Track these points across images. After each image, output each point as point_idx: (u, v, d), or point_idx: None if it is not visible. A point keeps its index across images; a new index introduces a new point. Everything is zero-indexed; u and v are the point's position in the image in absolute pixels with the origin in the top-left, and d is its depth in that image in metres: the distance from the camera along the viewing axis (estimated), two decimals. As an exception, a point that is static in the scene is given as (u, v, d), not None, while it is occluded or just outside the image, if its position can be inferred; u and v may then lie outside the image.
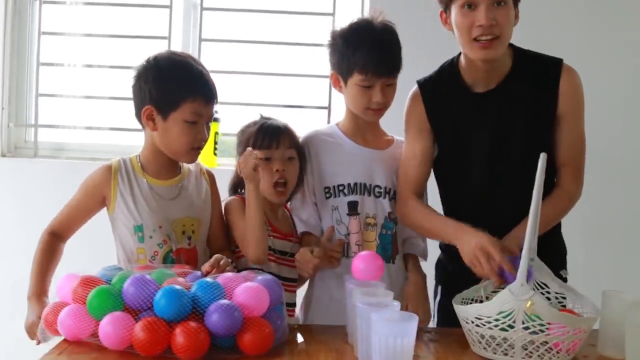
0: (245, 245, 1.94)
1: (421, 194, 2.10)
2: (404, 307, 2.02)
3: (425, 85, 2.05)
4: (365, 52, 1.99)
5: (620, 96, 3.24)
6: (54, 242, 1.98)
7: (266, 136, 2.01)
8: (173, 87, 1.87)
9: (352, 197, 2.08)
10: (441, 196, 2.14)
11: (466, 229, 1.82)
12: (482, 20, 1.81)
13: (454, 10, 1.87)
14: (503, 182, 1.95)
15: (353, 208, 2.07)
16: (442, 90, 2.02)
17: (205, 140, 1.94)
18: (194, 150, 1.92)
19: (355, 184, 2.08)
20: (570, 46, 3.11)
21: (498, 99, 1.95)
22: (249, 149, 1.94)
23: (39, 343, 1.64)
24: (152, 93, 1.88)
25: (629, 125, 3.25)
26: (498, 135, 1.95)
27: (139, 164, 1.97)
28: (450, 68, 2.03)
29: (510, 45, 1.97)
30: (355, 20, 2.11)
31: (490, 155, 1.96)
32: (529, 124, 1.93)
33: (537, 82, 1.93)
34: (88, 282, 1.52)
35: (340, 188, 2.08)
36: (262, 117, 2.13)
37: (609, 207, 3.17)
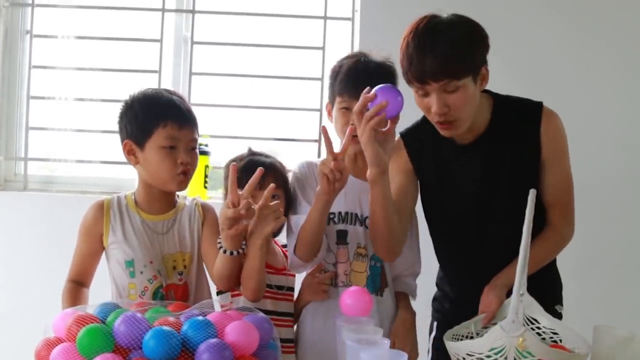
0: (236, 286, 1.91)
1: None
2: (392, 344, 2.02)
3: (408, 137, 2.05)
4: (343, 76, 2.05)
5: (608, 131, 3.26)
6: (76, 290, 1.98)
7: (250, 175, 1.99)
8: (144, 117, 1.91)
9: (341, 226, 2.09)
10: (432, 238, 2.14)
11: None
12: (434, 108, 1.79)
13: (413, 91, 1.86)
14: (492, 227, 1.95)
15: (342, 237, 2.08)
16: (425, 142, 2.02)
17: (191, 165, 1.94)
18: (180, 176, 1.92)
19: (346, 213, 2.09)
20: (558, 80, 3.18)
21: (481, 150, 1.94)
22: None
23: None
24: (128, 128, 1.93)
25: (619, 157, 3.27)
26: (485, 185, 1.95)
27: (133, 200, 1.99)
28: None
29: (489, 93, 1.96)
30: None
31: (479, 204, 1.96)
32: (515, 170, 1.93)
33: (518, 129, 1.92)
34: (82, 321, 1.50)
35: (331, 216, 2.07)
36: (249, 152, 2.12)
37: (600, 241, 3.18)
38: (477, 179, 1.95)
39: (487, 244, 1.97)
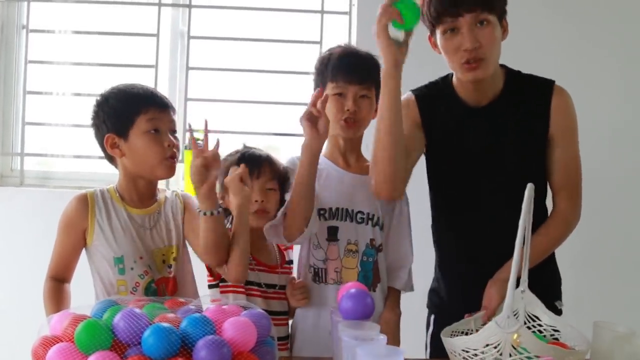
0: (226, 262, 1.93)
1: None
2: None
3: (420, 93, 2.06)
4: (336, 62, 2.07)
5: (609, 122, 3.27)
6: (57, 286, 1.96)
7: (247, 166, 2.01)
8: (123, 108, 1.93)
9: (332, 222, 2.08)
10: (432, 213, 2.14)
11: None
12: (466, 43, 1.82)
13: (439, 35, 1.89)
14: (493, 198, 1.94)
15: (332, 234, 2.08)
16: (435, 100, 2.04)
17: (177, 147, 1.96)
18: (168, 160, 1.94)
19: (337, 209, 2.09)
20: (559, 70, 3.17)
21: (490, 116, 1.96)
22: (234, 167, 1.94)
23: None
24: (107, 122, 1.93)
25: (618, 152, 3.29)
26: (489, 151, 1.96)
27: (117, 194, 1.98)
28: (444, 82, 2.05)
29: (503, 66, 1.99)
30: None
31: (481, 170, 1.97)
32: (520, 142, 1.94)
33: (528, 102, 1.95)
34: (79, 321, 1.49)
35: (322, 212, 2.08)
36: (244, 147, 2.14)
37: (599, 236, 3.18)
38: (484, 144, 1.96)
39: (487, 212, 1.96)
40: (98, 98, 1.98)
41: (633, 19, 3.32)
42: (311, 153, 1.93)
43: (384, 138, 1.90)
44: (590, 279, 3.14)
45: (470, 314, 1.81)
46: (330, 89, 2.05)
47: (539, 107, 1.94)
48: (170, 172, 1.96)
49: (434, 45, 1.95)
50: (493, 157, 1.95)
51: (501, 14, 1.89)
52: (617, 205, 3.25)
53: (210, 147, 1.82)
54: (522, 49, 3.11)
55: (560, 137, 1.94)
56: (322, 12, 3.46)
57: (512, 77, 2.00)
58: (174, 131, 1.98)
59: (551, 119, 1.93)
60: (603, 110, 3.26)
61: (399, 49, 1.83)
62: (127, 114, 1.91)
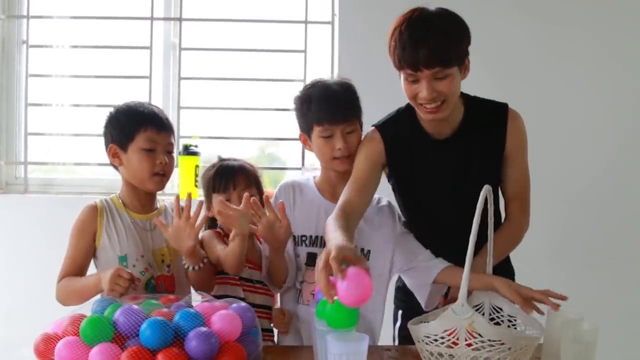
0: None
1: (353, 220, 1.97)
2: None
3: (384, 127, 2.12)
4: (318, 105, 2.11)
5: (579, 125, 3.37)
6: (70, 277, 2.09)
7: (222, 179, 2.18)
8: (127, 123, 2.12)
9: (312, 249, 2.16)
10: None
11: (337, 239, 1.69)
12: (424, 94, 1.88)
13: (402, 77, 1.95)
14: (461, 221, 1.87)
15: (311, 259, 2.15)
16: (401, 135, 2.10)
17: (168, 166, 2.15)
18: (157, 177, 2.13)
19: (317, 236, 2.16)
20: (529, 76, 3.30)
21: (455, 145, 2.05)
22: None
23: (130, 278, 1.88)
24: (112, 133, 2.14)
25: (588, 152, 3.38)
26: (456, 179, 2.06)
27: (120, 201, 2.18)
28: (409, 113, 2.09)
29: (461, 94, 2.05)
30: (309, 82, 2.25)
31: (451, 197, 2.07)
32: (483, 166, 2.05)
33: (487, 128, 2.05)
34: (78, 320, 1.63)
35: (303, 239, 2.18)
36: (219, 159, 2.28)
37: (570, 230, 3.33)
38: (450, 173, 2.06)
39: (458, 235, 1.92)
40: (112, 109, 2.19)
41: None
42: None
43: None
44: (563, 269, 3.25)
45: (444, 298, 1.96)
46: (317, 132, 2.12)
47: (496, 130, 2.05)
48: (158, 186, 2.16)
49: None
50: (459, 182, 2.06)
51: (461, 61, 1.92)
52: (588, 200, 3.37)
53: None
54: (493, 51, 3.26)
55: (513, 156, 2.07)
56: (306, 22, 3.56)
57: (471, 105, 2.07)
58: (170, 152, 2.17)
59: (506, 141, 2.05)
60: (575, 108, 3.37)
61: None
62: (129, 129, 2.11)
